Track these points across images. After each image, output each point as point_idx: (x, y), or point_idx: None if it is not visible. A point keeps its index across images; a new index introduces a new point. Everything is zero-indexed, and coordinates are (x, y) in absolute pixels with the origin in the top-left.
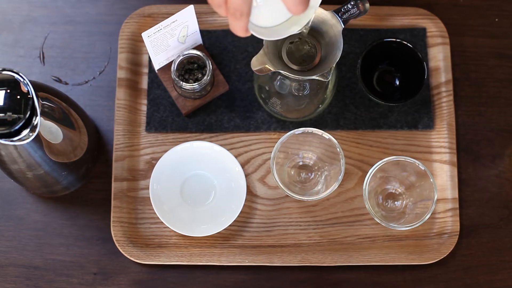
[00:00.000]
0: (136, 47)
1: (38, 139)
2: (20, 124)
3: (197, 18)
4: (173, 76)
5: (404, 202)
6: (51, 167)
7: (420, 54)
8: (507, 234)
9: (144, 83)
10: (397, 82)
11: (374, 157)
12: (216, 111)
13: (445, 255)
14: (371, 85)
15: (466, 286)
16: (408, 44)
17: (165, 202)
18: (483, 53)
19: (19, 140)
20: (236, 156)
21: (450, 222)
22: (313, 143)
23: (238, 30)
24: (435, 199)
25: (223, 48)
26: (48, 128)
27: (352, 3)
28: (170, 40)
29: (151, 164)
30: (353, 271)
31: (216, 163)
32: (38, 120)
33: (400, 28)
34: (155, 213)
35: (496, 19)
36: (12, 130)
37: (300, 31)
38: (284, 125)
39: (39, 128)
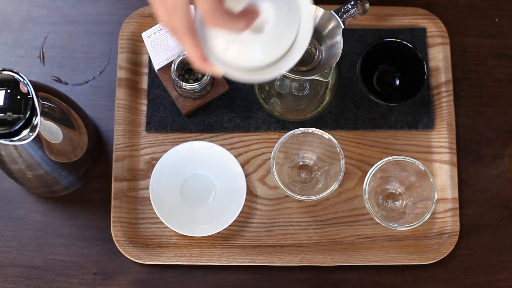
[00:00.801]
0: (136, 47)
1: (38, 139)
2: (20, 124)
3: None
4: (173, 76)
5: (404, 202)
6: (51, 167)
7: (420, 54)
8: (507, 234)
9: (144, 83)
10: (397, 82)
11: (374, 157)
12: (216, 111)
13: (445, 255)
14: (371, 85)
15: (466, 286)
16: (408, 44)
17: (165, 202)
18: (483, 53)
19: (19, 140)
20: (236, 156)
21: (450, 222)
22: (313, 143)
23: (192, 58)
24: (435, 199)
25: None
26: (48, 128)
27: (352, 3)
28: (170, 40)
29: (151, 164)
30: (353, 271)
31: (216, 163)
32: (38, 120)
33: (400, 28)
34: (155, 213)
35: (496, 19)
36: (12, 130)
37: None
38: (284, 125)
39: (39, 128)
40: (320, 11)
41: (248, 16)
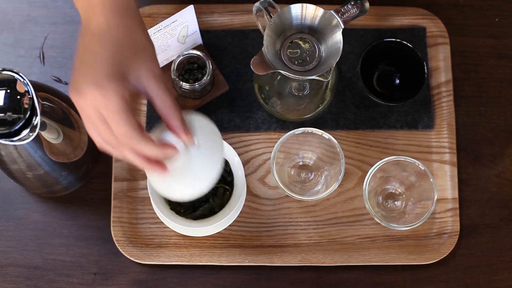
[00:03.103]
0: None
1: (38, 139)
2: (20, 124)
3: (197, 18)
4: (173, 76)
5: (404, 202)
6: (51, 167)
7: (420, 54)
8: (507, 234)
9: None
10: (397, 82)
11: (374, 157)
12: (216, 111)
13: (445, 255)
14: (371, 85)
15: (466, 286)
16: (408, 44)
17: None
18: (483, 53)
19: (19, 140)
20: None
21: (450, 222)
22: (313, 143)
23: (156, 154)
24: (435, 199)
25: (223, 48)
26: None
27: (352, 3)
28: (170, 40)
29: None
30: (353, 271)
31: None
32: (38, 120)
33: (400, 28)
34: (155, 213)
35: (496, 19)
36: (12, 130)
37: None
38: (284, 125)
39: (39, 128)
40: (320, 11)
41: (166, 149)
